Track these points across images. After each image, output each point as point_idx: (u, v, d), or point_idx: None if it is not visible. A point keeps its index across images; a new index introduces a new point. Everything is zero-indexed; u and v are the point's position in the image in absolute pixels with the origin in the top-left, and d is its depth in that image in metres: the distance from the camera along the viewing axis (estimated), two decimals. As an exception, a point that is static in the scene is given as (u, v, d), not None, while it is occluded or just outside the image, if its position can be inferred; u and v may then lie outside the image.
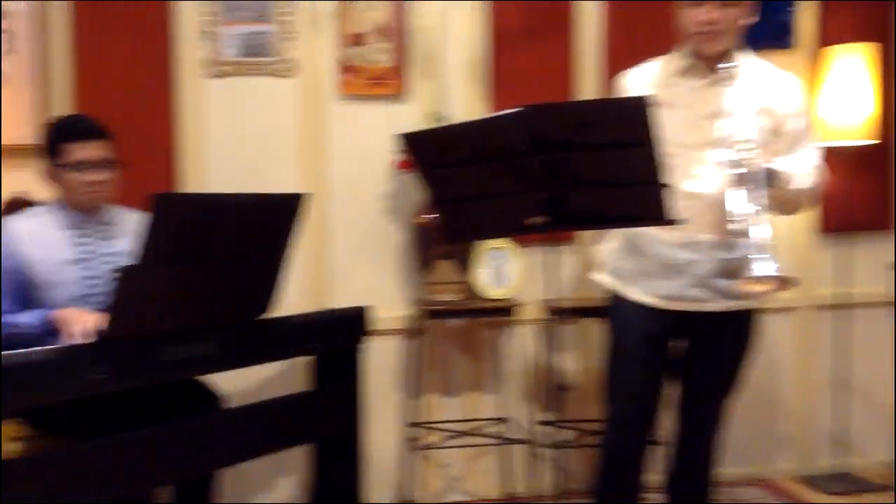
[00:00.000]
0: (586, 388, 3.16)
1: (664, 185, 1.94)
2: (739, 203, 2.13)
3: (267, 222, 2.31)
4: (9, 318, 2.28)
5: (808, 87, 3.14)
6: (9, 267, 2.34)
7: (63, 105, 2.96)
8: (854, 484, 3.35)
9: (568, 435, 3.02)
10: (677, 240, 2.30)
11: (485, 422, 3.20)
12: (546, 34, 3.21)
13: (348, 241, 3.18)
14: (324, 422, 2.59)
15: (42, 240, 2.39)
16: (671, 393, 2.48)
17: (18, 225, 2.40)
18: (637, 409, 2.43)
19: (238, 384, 2.98)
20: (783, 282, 2.07)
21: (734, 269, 2.24)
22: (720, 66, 2.27)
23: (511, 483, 3.22)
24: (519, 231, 2.17)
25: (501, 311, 3.03)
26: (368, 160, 3.16)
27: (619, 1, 3.23)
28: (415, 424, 3.10)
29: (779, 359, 3.44)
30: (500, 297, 2.99)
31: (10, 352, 1.92)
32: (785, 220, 2.77)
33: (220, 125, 3.08)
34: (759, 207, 2.12)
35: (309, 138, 3.13)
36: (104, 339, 2.03)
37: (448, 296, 2.98)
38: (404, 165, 3.05)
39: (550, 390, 3.05)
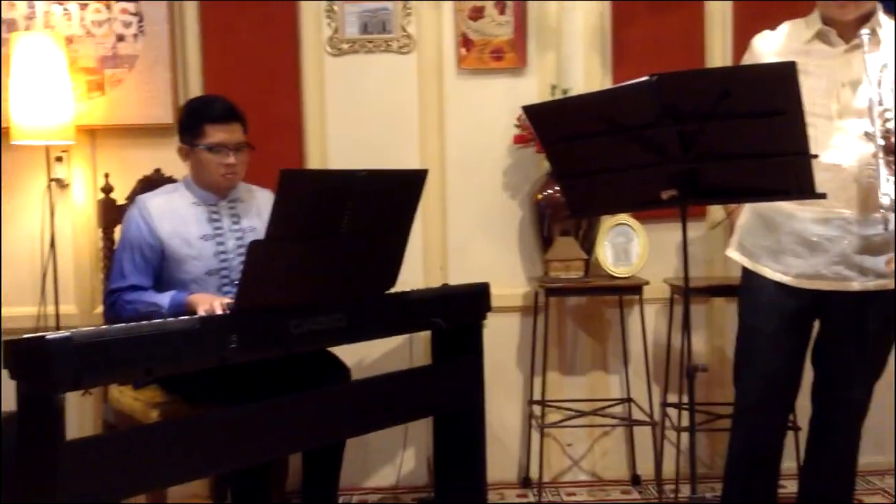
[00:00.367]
0: (716, 371, 3.05)
1: (812, 156, 1.83)
2: (884, 176, 1.99)
3: (392, 198, 2.32)
4: (143, 296, 2.38)
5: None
6: (143, 242, 2.43)
7: (194, 85, 3.05)
8: None
9: (696, 418, 2.92)
10: (816, 215, 2.19)
11: (608, 402, 3.14)
12: (669, 1, 3.08)
13: (467, 217, 3.16)
14: (447, 395, 2.61)
15: (176, 216, 2.46)
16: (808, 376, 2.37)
17: (153, 201, 2.48)
18: (769, 394, 2.33)
19: (357, 358, 3.03)
20: None
21: (878, 246, 2.15)
22: (861, 31, 2.11)
23: (636, 465, 3.15)
24: (648, 205, 2.09)
25: (625, 290, 2.95)
26: (487, 135, 3.12)
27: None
28: (536, 402, 3.06)
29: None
30: (624, 275, 2.91)
31: (148, 322, 2.01)
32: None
33: (340, 103, 3.11)
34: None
35: (428, 114, 3.12)
36: (235, 311, 2.08)
37: (569, 273, 2.91)
38: (523, 140, 3.00)
39: (678, 372, 2.95)
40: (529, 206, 3.07)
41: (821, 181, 1.92)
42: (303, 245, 2.15)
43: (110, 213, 2.74)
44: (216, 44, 3.05)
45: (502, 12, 3.09)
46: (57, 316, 2.94)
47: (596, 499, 2.99)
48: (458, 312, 2.60)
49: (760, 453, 2.38)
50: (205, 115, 2.46)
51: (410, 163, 3.09)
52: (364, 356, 3.06)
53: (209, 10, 3.05)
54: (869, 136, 2.05)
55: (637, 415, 3.08)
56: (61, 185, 3.06)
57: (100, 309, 2.91)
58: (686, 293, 2.08)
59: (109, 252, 2.72)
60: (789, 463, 2.73)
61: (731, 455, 2.41)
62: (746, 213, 2.38)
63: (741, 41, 2.44)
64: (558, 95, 2.96)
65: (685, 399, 2.87)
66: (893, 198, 1.95)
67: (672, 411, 3.05)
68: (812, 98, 2.03)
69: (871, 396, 2.34)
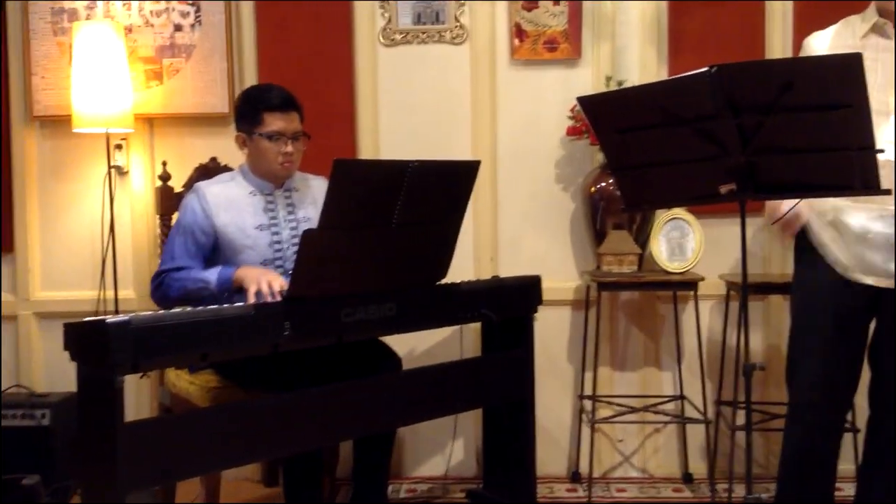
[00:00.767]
0: (771, 369, 2.99)
1: (878, 151, 1.78)
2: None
3: (444, 189, 2.31)
4: (191, 273, 2.40)
5: None
6: (197, 228, 2.45)
7: (250, 75, 3.08)
8: None
9: (751, 417, 2.87)
10: (871, 212, 2.14)
11: (661, 399, 3.10)
12: (728, 1, 3.02)
13: (518, 208, 3.14)
14: (497, 388, 2.60)
15: (232, 206, 2.49)
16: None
17: (210, 189, 2.51)
18: (823, 394, 2.28)
19: (407, 348, 3.05)
20: None
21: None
22: None
23: (688, 464, 3.10)
24: (705, 200, 2.06)
25: (679, 285, 2.90)
26: (540, 126, 3.10)
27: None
28: (587, 397, 3.04)
29: None
30: (678, 271, 2.86)
31: (204, 308, 2.04)
32: None
33: (393, 93, 3.11)
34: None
35: (480, 105, 3.11)
36: (288, 299, 2.10)
37: (622, 267, 2.88)
38: (576, 131, 2.97)
39: (733, 370, 2.90)
40: (582, 198, 3.04)
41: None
42: (355, 234, 2.16)
43: (168, 201, 2.79)
44: (271, 34, 3.08)
45: (557, 2, 3.06)
46: (116, 300, 3.01)
47: (647, 496, 2.96)
48: (508, 305, 2.59)
49: (815, 455, 2.33)
50: (263, 104, 2.47)
51: (462, 154, 3.08)
52: (415, 346, 3.07)
53: (264, 1, 3.08)
54: None
55: (690, 412, 3.03)
56: (121, 172, 3.12)
57: (156, 294, 2.97)
58: (744, 290, 2.04)
59: (167, 239, 2.76)
60: (848, 465, 2.67)
61: (785, 456, 2.37)
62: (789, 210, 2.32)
63: (801, 39, 2.38)
64: (613, 87, 2.92)
65: (739, 397, 2.83)
66: None
67: (726, 409, 3.00)
68: (868, 93, 1.98)
69: None
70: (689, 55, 3.00)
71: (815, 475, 2.34)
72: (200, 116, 3.09)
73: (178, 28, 3.08)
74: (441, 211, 2.34)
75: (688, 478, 3.08)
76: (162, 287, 2.41)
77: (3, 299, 3.15)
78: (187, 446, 1.95)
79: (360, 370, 2.39)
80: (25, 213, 3.14)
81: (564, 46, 3.08)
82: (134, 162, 3.14)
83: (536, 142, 3.11)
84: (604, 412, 3.08)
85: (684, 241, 2.89)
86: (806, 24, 2.71)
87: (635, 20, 3.08)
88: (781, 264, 3.01)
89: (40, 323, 3.16)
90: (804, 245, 2.31)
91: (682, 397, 3.07)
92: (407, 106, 3.12)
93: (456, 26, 3.09)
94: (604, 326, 3.08)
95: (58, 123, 3.09)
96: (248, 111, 2.49)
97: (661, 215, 2.90)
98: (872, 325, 2.30)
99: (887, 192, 1.85)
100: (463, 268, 2.99)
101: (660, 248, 2.89)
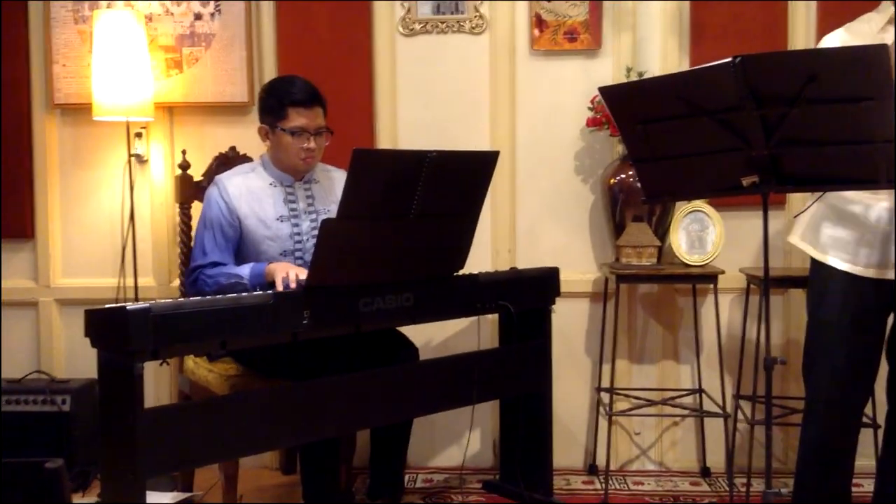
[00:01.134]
0: (791, 364, 2.95)
1: (904, 144, 1.76)
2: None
3: (463, 179, 2.31)
4: (224, 269, 2.42)
5: None
6: (224, 220, 2.47)
7: (269, 65, 3.08)
8: None
9: (771, 412, 2.85)
10: (891, 205, 2.12)
11: (679, 392, 3.09)
12: (750, -1, 3.00)
13: (537, 200, 3.13)
14: (514, 379, 2.61)
15: (252, 197, 2.50)
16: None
17: (231, 181, 2.52)
18: (839, 390, 2.26)
19: (425, 338, 3.05)
20: None
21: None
22: None
23: (706, 457, 3.09)
24: (727, 192, 2.05)
25: (699, 278, 2.88)
26: (559, 117, 3.09)
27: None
28: (604, 390, 3.03)
29: None
30: (698, 263, 2.84)
31: (223, 296, 2.05)
32: None
33: (412, 83, 3.10)
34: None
35: (499, 96, 3.09)
36: (306, 288, 2.11)
37: (641, 260, 2.86)
38: (597, 123, 2.96)
39: (753, 364, 2.88)
40: (601, 190, 3.02)
41: None
42: (373, 224, 2.16)
43: (187, 189, 2.80)
44: (290, 23, 3.08)
45: (577, -8, 3.04)
46: (136, 288, 3.03)
47: (664, 489, 2.95)
48: (526, 296, 2.58)
49: (832, 450, 2.31)
50: (288, 99, 2.46)
51: (481, 145, 3.07)
52: (432, 337, 3.07)
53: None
54: None
55: (708, 406, 3.01)
56: (140, 160, 3.14)
57: (176, 282, 2.99)
58: (765, 283, 2.03)
59: (186, 227, 2.78)
60: (868, 461, 2.65)
61: (802, 451, 2.35)
62: (816, 201, 2.31)
63: (827, 25, 2.35)
64: (633, 78, 2.89)
65: (758, 391, 2.80)
66: None
67: (745, 403, 2.98)
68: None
69: None
70: (711, 46, 2.97)
71: (833, 471, 2.32)
72: (220, 105, 3.10)
73: (198, 17, 3.08)
74: (459, 202, 2.33)
75: (705, 472, 3.07)
76: (197, 283, 2.44)
77: (24, 286, 3.19)
78: (206, 433, 1.97)
79: (378, 360, 2.40)
80: (46, 200, 3.16)
81: (585, 37, 3.05)
82: (154, 150, 3.15)
83: (556, 133, 3.10)
84: (621, 405, 3.06)
85: (704, 233, 2.86)
86: (829, 21, 2.67)
87: (656, 11, 3.05)
88: (802, 258, 2.97)
89: (61, 309, 3.19)
90: (820, 238, 2.29)
91: (700, 391, 3.05)
92: (425, 96, 3.11)
93: (476, 16, 3.07)
94: (622, 319, 3.06)
95: (78, 111, 3.10)
96: (273, 104, 2.49)
97: (681, 208, 2.88)
98: (890, 320, 2.29)
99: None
100: (481, 259, 2.99)
101: (679, 240, 2.87)
